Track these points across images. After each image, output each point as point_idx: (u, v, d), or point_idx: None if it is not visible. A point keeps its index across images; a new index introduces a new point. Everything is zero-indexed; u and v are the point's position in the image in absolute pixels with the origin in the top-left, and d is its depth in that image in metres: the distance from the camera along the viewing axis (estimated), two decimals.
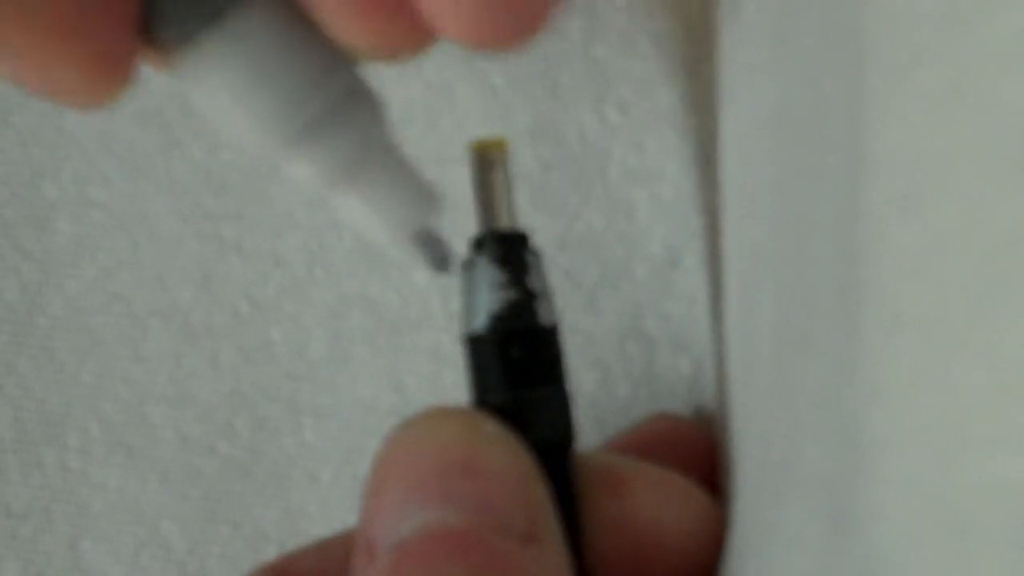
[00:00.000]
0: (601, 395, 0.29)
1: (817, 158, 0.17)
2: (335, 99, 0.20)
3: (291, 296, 0.31)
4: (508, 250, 0.22)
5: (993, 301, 0.12)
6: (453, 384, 0.29)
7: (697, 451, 0.26)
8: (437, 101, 0.30)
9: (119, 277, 0.31)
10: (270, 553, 0.30)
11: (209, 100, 0.20)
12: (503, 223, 0.23)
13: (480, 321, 0.22)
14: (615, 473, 0.21)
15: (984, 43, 0.13)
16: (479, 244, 0.23)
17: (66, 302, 0.31)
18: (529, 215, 0.29)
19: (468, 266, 0.23)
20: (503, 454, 0.20)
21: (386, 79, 0.29)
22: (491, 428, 0.21)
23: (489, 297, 0.22)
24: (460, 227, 0.23)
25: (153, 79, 0.21)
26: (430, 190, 0.22)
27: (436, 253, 0.22)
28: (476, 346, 0.22)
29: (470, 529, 0.19)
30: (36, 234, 0.31)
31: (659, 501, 0.21)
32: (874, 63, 0.15)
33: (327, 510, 0.30)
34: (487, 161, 0.23)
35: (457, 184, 0.29)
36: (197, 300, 0.31)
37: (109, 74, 0.19)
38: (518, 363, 0.22)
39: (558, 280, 0.29)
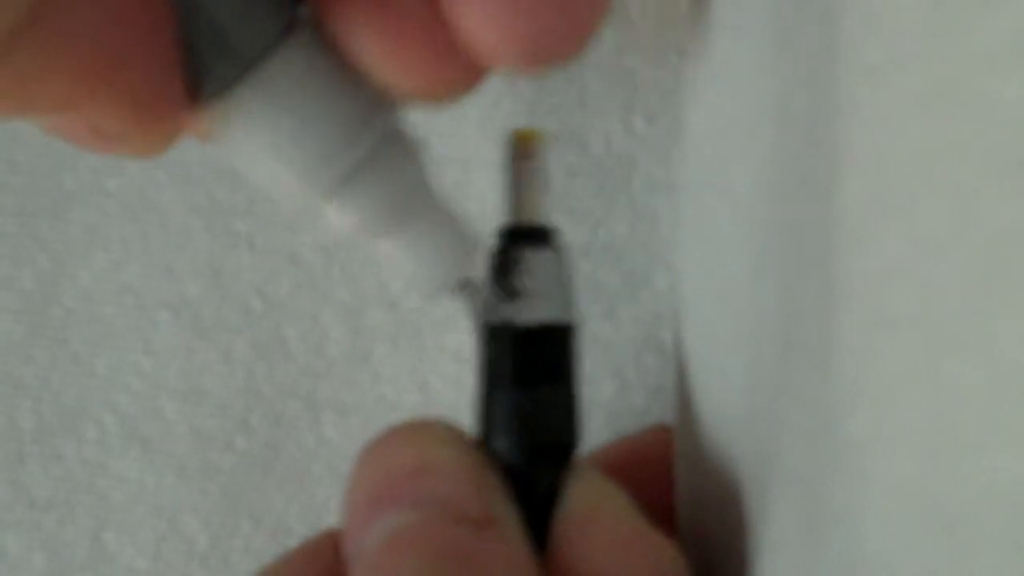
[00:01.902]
0: (618, 404, 0.29)
1: (806, 160, 0.17)
2: (374, 146, 0.20)
3: (306, 293, 0.31)
4: (502, 245, 0.22)
5: (987, 300, 0.12)
6: None
7: None
8: (464, 105, 0.30)
9: (129, 268, 0.31)
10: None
11: (246, 154, 0.19)
12: (530, 216, 0.22)
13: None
14: (589, 509, 0.21)
15: (976, 44, 0.13)
16: (498, 236, 0.22)
17: (79, 292, 0.31)
18: (553, 221, 0.29)
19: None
20: (452, 451, 0.21)
21: None
22: (439, 430, 0.21)
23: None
24: (485, 227, 0.23)
25: None
26: (470, 235, 0.21)
27: (478, 300, 0.22)
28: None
29: (425, 523, 0.19)
30: (52, 224, 0.32)
31: (620, 556, 0.20)
32: (851, 63, 0.15)
33: None
34: (523, 151, 0.22)
35: (482, 186, 0.30)
36: (207, 294, 0.31)
37: (153, 121, 0.18)
38: (487, 361, 0.22)
39: (580, 287, 0.29)
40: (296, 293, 0.31)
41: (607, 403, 0.29)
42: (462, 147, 0.30)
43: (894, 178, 0.14)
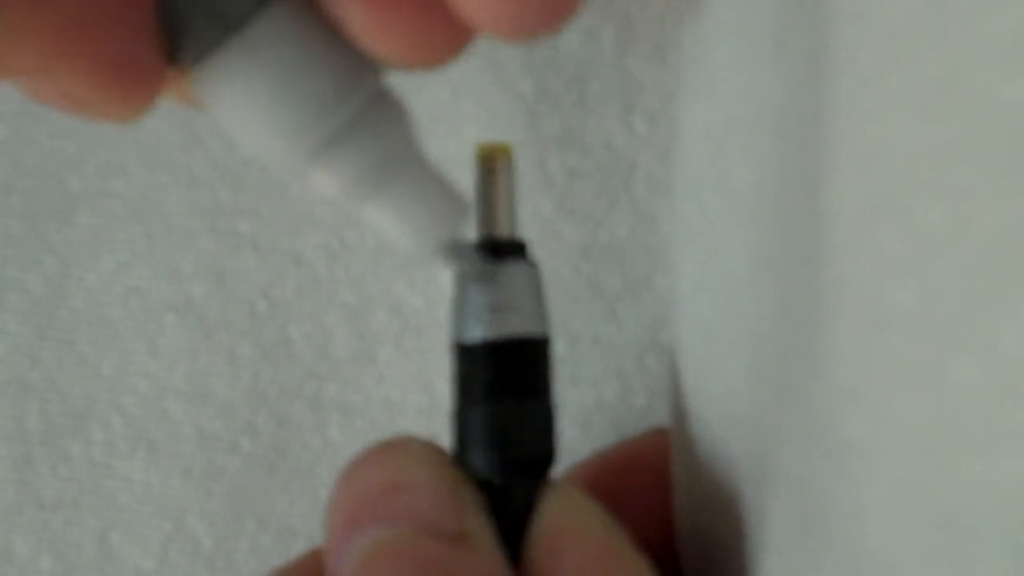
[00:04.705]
0: (620, 405, 0.29)
1: (805, 159, 0.17)
2: (359, 108, 0.19)
3: (311, 295, 0.31)
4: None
5: (989, 300, 0.12)
6: None
7: None
8: (465, 106, 0.30)
9: (136, 270, 0.31)
10: (298, 548, 0.30)
11: (230, 117, 0.19)
12: (501, 229, 0.22)
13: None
14: (562, 525, 0.21)
15: (975, 44, 0.13)
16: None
17: (86, 294, 0.32)
18: (554, 222, 0.29)
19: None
20: (427, 467, 0.21)
21: (413, 83, 0.30)
22: (415, 447, 0.22)
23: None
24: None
25: None
26: (459, 198, 0.21)
27: (466, 262, 0.21)
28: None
29: (400, 538, 0.20)
30: (58, 226, 0.32)
31: (591, 572, 0.20)
32: (850, 63, 0.15)
33: None
34: (490, 166, 0.22)
35: None
36: (212, 296, 0.31)
37: (124, 88, 0.18)
38: (460, 376, 0.22)
39: (581, 288, 0.29)
40: (301, 295, 0.31)
41: (609, 405, 0.29)
42: (463, 147, 0.30)
43: (893, 177, 0.14)
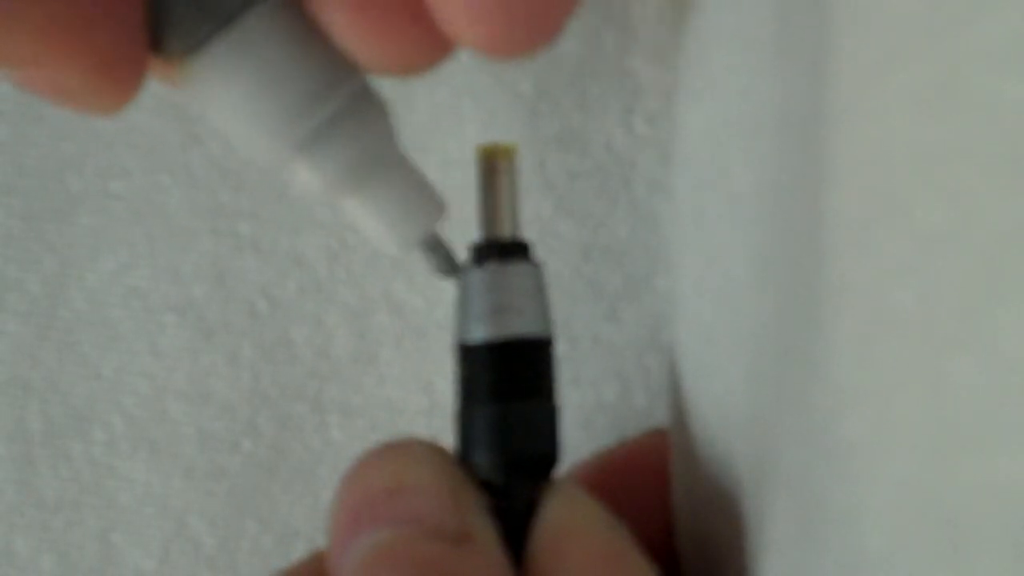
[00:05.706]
0: (620, 406, 0.29)
1: (806, 160, 0.17)
2: (342, 105, 0.20)
3: (311, 296, 0.31)
4: (475, 261, 0.22)
5: (990, 300, 0.12)
6: None
7: None
8: (465, 106, 0.30)
9: (136, 271, 0.32)
10: (300, 549, 0.30)
11: (216, 108, 0.20)
12: (503, 230, 0.22)
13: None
14: (565, 525, 0.21)
15: (975, 43, 0.12)
16: (471, 252, 0.22)
17: (86, 295, 0.32)
18: (554, 222, 0.29)
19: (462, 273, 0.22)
20: (429, 468, 0.21)
21: (414, 84, 0.30)
22: (416, 448, 0.22)
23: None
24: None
25: None
26: (436, 196, 0.22)
27: (442, 259, 0.22)
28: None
29: (402, 540, 0.20)
30: (58, 226, 0.32)
31: (594, 573, 0.20)
32: (850, 63, 0.15)
33: None
34: (492, 166, 0.22)
35: None
36: (212, 297, 0.31)
37: (112, 79, 0.19)
38: (464, 377, 0.22)
39: (581, 289, 0.29)
40: (301, 295, 0.31)
41: (610, 405, 0.29)
42: (464, 149, 0.30)
43: (893, 177, 0.14)
